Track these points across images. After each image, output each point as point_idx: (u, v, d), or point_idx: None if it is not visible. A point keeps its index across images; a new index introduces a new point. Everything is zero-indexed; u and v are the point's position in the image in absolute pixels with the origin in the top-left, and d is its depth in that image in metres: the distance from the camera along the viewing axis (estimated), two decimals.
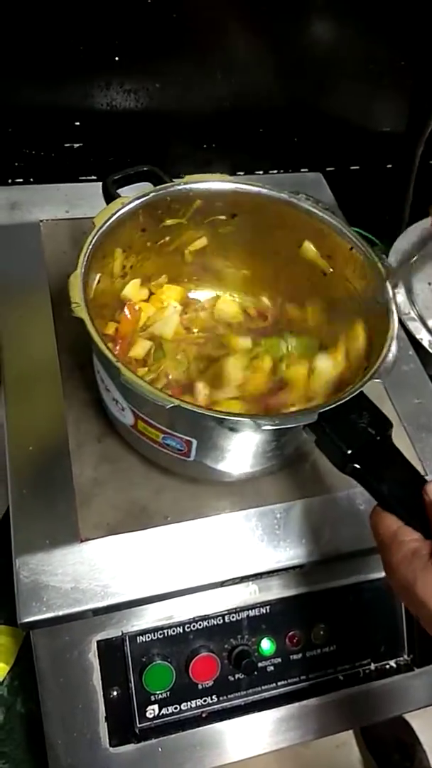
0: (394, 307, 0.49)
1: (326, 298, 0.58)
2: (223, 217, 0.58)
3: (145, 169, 0.55)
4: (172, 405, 0.41)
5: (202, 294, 0.64)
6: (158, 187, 0.54)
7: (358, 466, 0.43)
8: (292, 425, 0.43)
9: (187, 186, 0.55)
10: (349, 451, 0.43)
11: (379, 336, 0.48)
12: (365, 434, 0.43)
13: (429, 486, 0.41)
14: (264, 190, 0.56)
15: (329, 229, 0.55)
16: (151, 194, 0.54)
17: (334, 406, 0.43)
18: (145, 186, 0.55)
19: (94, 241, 0.49)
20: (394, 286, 0.50)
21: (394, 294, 0.50)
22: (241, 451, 0.48)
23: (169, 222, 0.56)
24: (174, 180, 0.55)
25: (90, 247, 0.49)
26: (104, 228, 0.50)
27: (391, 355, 0.46)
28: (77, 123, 0.75)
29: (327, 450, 0.45)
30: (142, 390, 0.41)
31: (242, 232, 0.59)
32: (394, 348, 0.47)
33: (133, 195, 0.53)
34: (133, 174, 0.55)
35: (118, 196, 0.53)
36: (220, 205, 0.57)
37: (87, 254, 0.48)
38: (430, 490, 0.40)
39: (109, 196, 0.54)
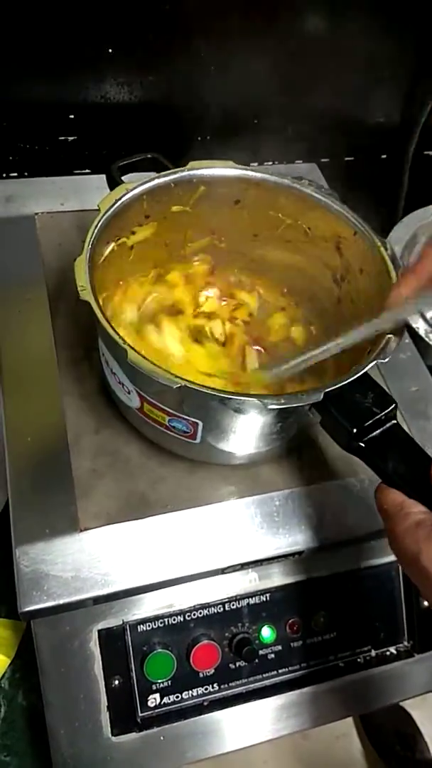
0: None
1: (327, 281, 0.58)
2: (226, 204, 0.58)
3: (149, 156, 0.56)
4: (179, 385, 0.41)
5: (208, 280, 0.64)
6: (162, 173, 0.54)
7: (362, 444, 0.44)
8: (298, 404, 0.43)
9: (192, 172, 0.55)
10: (354, 430, 0.43)
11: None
12: (370, 413, 0.44)
13: None
14: (268, 176, 0.56)
15: (333, 215, 0.55)
16: (156, 180, 0.54)
17: (340, 385, 0.43)
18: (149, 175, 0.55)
19: (99, 225, 0.49)
20: (399, 268, 0.50)
21: (398, 276, 0.50)
22: (247, 433, 0.48)
23: (174, 209, 0.56)
24: (178, 167, 0.55)
25: (95, 231, 0.49)
26: (109, 213, 0.51)
27: (397, 339, 0.46)
28: (71, 116, 0.75)
29: (332, 430, 0.46)
30: (150, 371, 0.42)
31: (246, 219, 0.59)
32: (401, 332, 0.47)
33: (137, 181, 0.53)
34: (137, 161, 0.55)
35: (123, 183, 0.53)
36: (224, 191, 0.57)
37: (92, 239, 0.48)
38: None
39: (114, 183, 0.54)
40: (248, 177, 0.56)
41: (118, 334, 0.43)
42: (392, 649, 0.56)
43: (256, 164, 0.83)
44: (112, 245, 0.53)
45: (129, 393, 0.48)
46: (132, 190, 0.52)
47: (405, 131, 0.87)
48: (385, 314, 0.46)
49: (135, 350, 0.43)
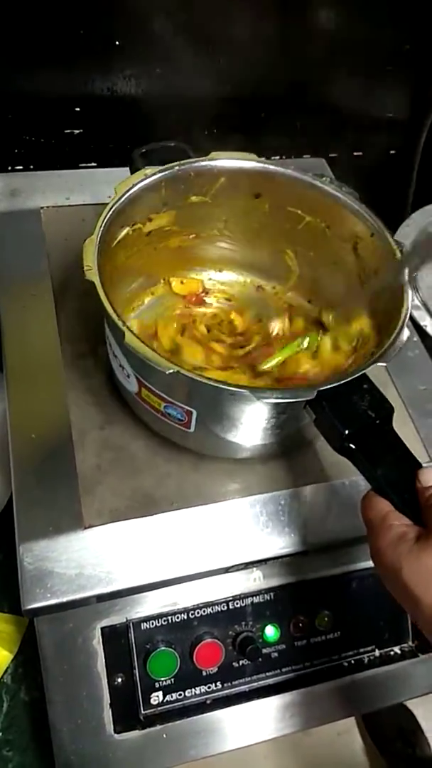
0: (408, 295, 0.49)
1: (343, 280, 0.57)
2: (246, 197, 0.57)
3: (172, 144, 0.55)
4: (171, 371, 0.41)
5: (223, 276, 0.64)
6: (183, 161, 0.54)
7: (353, 447, 0.43)
8: (290, 400, 0.42)
9: (212, 163, 0.55)
10: (347, 432, 0.43)
11: (388, 320, 0.48)
12: (364, 416, 0.43)
13: (422, 472, 0.41)
14: (289, 171, 0.56)
15: (352, 214, 0.54)
16: (176, 168, 0.53)
17: (335, 385, 0.43)
18: None
19: (114, 208, 0.49)
20: (412, 271, 0.50)
21: (410, 280, 0.49)
22: (241, 426, 0.48)
23: (193, 199, 0.56)
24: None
25: (109, 214, 0.49)
26: (126, 197, 0.50)
27: (399, 342, 0.46)
28: (77, 109, 0.75)
29: (324, 429, 0.45)
30: (144, 354, 0.41)
31: (265, 213, 0.58)
32: (404, 334, 0.46)
33: (157, 167, 0.53)
34: (161, 148, 0.55)
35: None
36: (245, 184, 0.56)
37: (105, 221, 0.48)
38: (423, 476, 0.40)
39: (136, 169, 0.53)
40: (269, 171, 0.56)
41: (118, 316, 0.43)
42: (396, 649, 0.56)
43: (263, 159, 0.83)
44: (126, 230, 0.53)
45: (128, 377, 0.48)
46: (151, 176, 0.52)
47: (414, 127, 0.86)
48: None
49: (133, 333, 0.42)
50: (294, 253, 0.61)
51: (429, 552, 0.37)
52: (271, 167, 0.56)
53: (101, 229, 0.47)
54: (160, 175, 0.52)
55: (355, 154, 0.89)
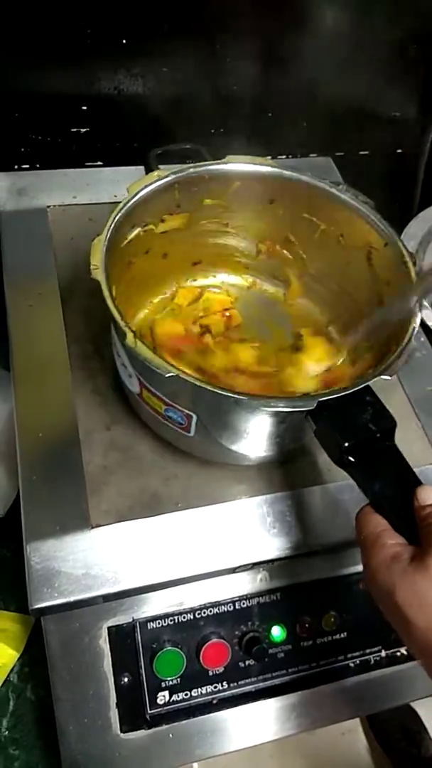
0: (417, 313, 0.48)
1: (355, 290, 0.57)
2: (260, 202, 0.57)
3: (188, 146, 0.55)
4: (170, 374, 0.40)
5: (232, 279, 0.64)
6: (197, 163, 0.54)
7: (352, 460, 0.42)
8: (290, 409, 0.42)
9: (227, 166, 0.54)
10: (346, 444, 0.42)
11: (396, 331, 0.47)
12: (365, 429, 0.42)
13: (420, 490, 0.40)
14: (304, 178, 0.55)
15: (366, 223, 0.54)
16: (190, 170, 0.53)
17: (335, 396, 0.42)
18: None
19: (125, 208, 0.49)
20: (424, 293, 0.49)
21: (420, 300, 0.48)
22: (241, 433, 0.47)
23: (207, 202, 0.56)
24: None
25: (120, 214, 0.48)
26: (137, 197, 0.50)
27: (406, 354, 0.45)
28: (84, 108, 0.74)
29: (324, 440, 0.44)
30: (144, 356, 0.41)
31: (280, 219, 0.58)
32: (408, 350, 0.45)
33: (170, 169, 0.52)
34: (176, 150, 0.55)
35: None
36: (259, 189, 0.56)
37: (115, 221, 0.48)
38: (421, 494, 0.40)
39: (150, 170, 0.53)
40: (284, 177, 0.55)
41: (121, 316, 0.43)
42: (403, 650, 0.55)
43: (270, 158, 0.82)
44: (137, 230, 0.52)
45: (131, 377, 0.48)
46: (164, 177, 0.52)
47: (421, 126, 0.86)
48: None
49: (134, 333, 0.42)
50: (307, 261, 0.60)
51: (423, 574, 0.36)
52: (287, 173, 0.55)
53: (110, 228, 0.47)
54: (174, 177, 0.52)
55: (361, 153, 0.89)
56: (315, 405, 0.41)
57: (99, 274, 0.44)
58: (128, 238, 0.52)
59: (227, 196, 0.56)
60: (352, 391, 0.43)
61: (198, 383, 0.41)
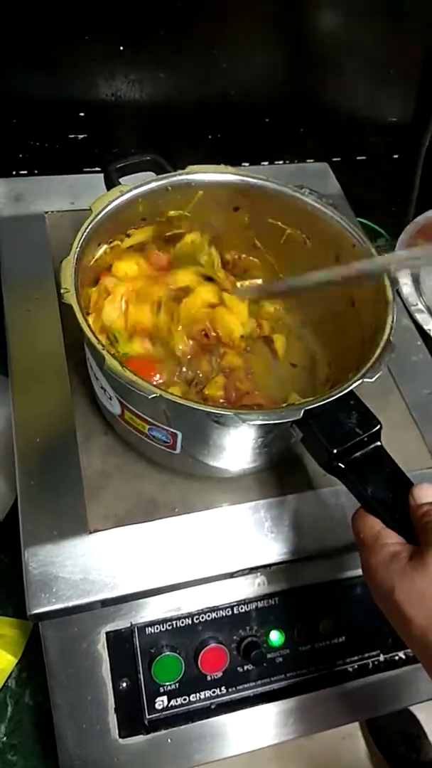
0: (392, 313, 0.48)
1: (326, 291, 0.56)
2: (225, 210, 0.57)
3: (147, 158, 0.55)
4: (154, 395, 0.40)
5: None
6: (159, 176, 0.54)
7: (342, 466, 0.42)
8: (276, 421, 0.41)
9: (189, 176, 0.54)
10: (335, 451, 0.42)
11: (374, 333, 0.47)
12: (352, 434, 0.42)
13: (416, 489, 0.40)
14: (268, 183, 0.55)
15: (333, 225, 0.54)
16: (152, 183, 0.53)
17: (321, 403, 0.42)
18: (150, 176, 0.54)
19: (90, 227, 0.49)
20: (395, 284, 0.49)
21: (394, 295, 0.49)
22: (228, 447, 0.47)
23: (171, 213, 0.56)
24: (177, 170, 0.54)
25: (85, 233, 0.48)
26: (101, 215, 0.50)
27: (386, 356, 0.45)
28: (81, 114, 0.75)
29: (312, 448, 0.44)
30: (126, 378, 0.41)
31: (246, 226, 0.58)
32: (388, 351, 0.46)
33: (132, 183, 0.52)
34: (136, 163, 0.55)
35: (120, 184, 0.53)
36: (223, 197, 0.56)
37: (81, 241, 0.48)
38: (417, 493, 0.40)
39: (111, 185, 0.53)
40: (247, 183, 0.55)
41: (98, 340, 0.43)
42: (401, 654, 0.56)
43: (267, 163, 0.83)
44: (104, 247, 0.52)
45: (111, 399, 0.48)
46: (126, 192, 0.52)
47: (417, 131, 0.86)
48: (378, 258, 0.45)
49: (114, 357, 0.42)
50: (275, 266, 0.60)
51: (422, 572, 0.36)
52: (249, 180, 0.55)
53: (77, 249, 0.47)
54: (136, 191, 0.52)
55: (358, 158, 0.89)
56: (301, 415, 0.41)
57: (71, 297, 0.44)
58: (95, 256, 0.52)
59: (191, 207, 0.56)
60: (336, 397, 0.42)
61: (182, 402, 0.41)
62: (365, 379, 0.44)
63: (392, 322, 0.47)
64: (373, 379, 0.44)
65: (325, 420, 0.42)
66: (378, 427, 0.43)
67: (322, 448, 0.42)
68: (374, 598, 0.40)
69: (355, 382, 0.43)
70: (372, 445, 0.43)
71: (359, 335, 0.51)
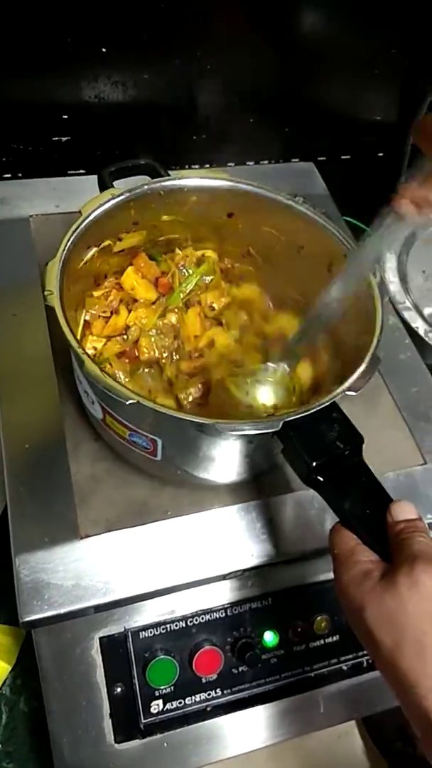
0: (378, 325, 0.47)
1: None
2: (219, 216, 0.57)
3: (142, 162, 0.54)
4: (131, 401, 0.40)
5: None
6: (152, 180, 0.53)
7: (321, 479, 0.42)
8: (254, 431, 0.41)
9: (182, 182, 0.54)
10: (314, 464, 0.41)
11: (360, 345, 0.47)
12: (333, 447, 0.42)
13: (393, 506, 0.40)
14: (261, 191, 0.55)
15: (326, 234, 0.54)
16: (145, 187, 0.53)
17: (301, 415, 0.41)
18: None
19: (78, 230, 0.48)
20: (385, 294, 0.49)
21: (382, 308, 0.48)
22: (209, 455, 0.47)
23: (165, 218, 0.55)
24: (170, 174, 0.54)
25: (73, 236, 0.48)
26: (91, 218, 0.50)
27: (372, 368, 0.44)
28: (65, 116, 0.74)
29: (292, 460, 0.43)
30: (104, 383, 0.41)
31: (239, 233, 0.58)
32: (372, 363, 0.45)
33: (125, 187, 0.52)
34: (130, 166, 0.54)
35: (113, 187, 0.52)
36: (217, 203, 0.56)
37: (69, 243, 0.47)
38: (394, 509, 0.39)
39: (105, 188, 0.53)
40: (241, 191, 0.55)
41: (79, 344, 0.42)
42: None
43: (252, 163, 0.83)
44: (93, 250, 0.52)
45: (93, 403, 0.48)
46: (118, 196, 0.51)
47: (402, 129, 0.87)
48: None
49: (93, 360, 0.42)
50: (269, 273, 0.60)
51: (392, 592, 0.35)
52: (244, 187, 0.55)
53: (64, 252, 0.46)
54: (128, 195, 0.52)
55: (343, 157, 0.89)
56: (280, 426, 0.40)
57: (54, 300, 0.43)
58: (84, 259, 0.51)
59: (185, 212, 0.55)
60: (317, 409, 0.42)
61: (159, 409, 0.40)
62: (349, 392, 0.43)
63: (379, 335, 0.46)
64: (357, 392, 0.43)
65: (306, 432, 0.42)
66: (360, 440, 0.42)
67: (302, 461, 0.42)
68: (345, 614, 0.39)
69: (338, 394, 0.43)
70: (353, 460, 0.42)
71: (352, 342, 0.50)
